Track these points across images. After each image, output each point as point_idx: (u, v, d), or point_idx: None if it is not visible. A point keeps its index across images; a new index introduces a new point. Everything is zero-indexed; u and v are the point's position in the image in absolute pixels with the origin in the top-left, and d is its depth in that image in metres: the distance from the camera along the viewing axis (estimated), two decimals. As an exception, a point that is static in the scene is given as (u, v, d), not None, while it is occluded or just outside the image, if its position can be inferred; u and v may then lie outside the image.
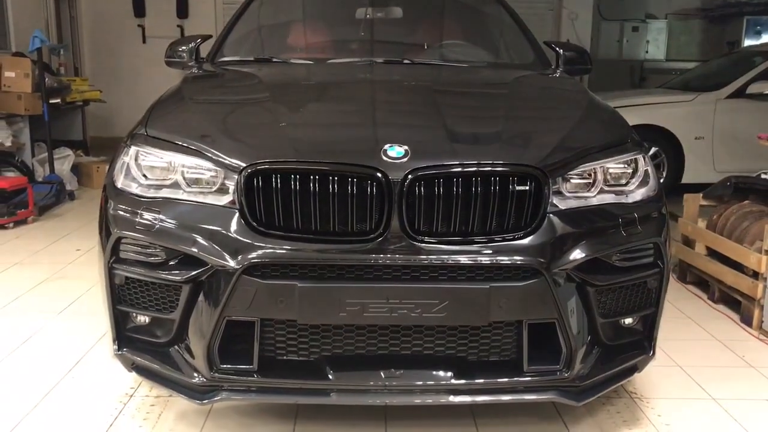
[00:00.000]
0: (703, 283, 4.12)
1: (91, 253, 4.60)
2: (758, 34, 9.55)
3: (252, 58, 3.43)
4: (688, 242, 4.25)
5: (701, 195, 4.27)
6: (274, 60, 3.40)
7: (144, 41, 9.91)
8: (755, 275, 3.51)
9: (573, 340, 2.18)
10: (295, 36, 3.75)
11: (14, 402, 2.67)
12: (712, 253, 4.01)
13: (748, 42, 9.54)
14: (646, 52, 10.35)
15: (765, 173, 3.98)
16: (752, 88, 6.38)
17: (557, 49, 3.48)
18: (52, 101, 6.61)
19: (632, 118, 6.39)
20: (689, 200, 4.31)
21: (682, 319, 3.67)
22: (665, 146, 6.50)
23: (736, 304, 3.72)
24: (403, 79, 3.09)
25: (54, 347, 3.18)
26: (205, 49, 3.56)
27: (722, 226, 3.94)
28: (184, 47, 3.47)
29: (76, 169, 6.92)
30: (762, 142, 4.15)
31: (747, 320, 3.57)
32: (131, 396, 2.72)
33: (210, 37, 3.68)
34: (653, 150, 6.52)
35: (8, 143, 6.18)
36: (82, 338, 3.26)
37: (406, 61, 3.32)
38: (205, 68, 3.32)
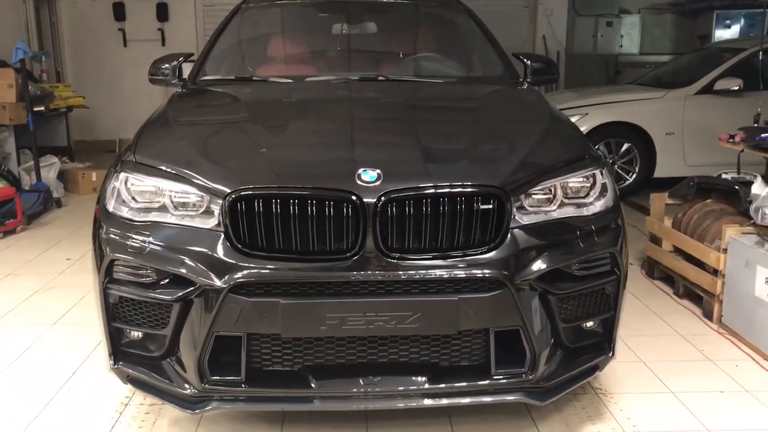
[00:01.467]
0: (669, 278, 4.31)
1: (81, 262, 4.72)
2: (727, 27, 9.81)
3: (233, 77, 3.58)
4: (655, 239, 4.45)
5: (667, 194, 4.47)
6: (254, 79, 3.55)
7: (125, 45, 9.98)
8: (715, 272, 3.71)
9: (536, 345, 2.36)
10: (274, 54, 3.89)
11: (16, 414, 2.82)
12: (678, 250, 4.21)
13: (718, 35, 9.79)
14: (621, 46, 10.54)
15: (725, 173, 4.17)
16: (719, 85, 6.58)
17: (525, 60, 3.65)
18: (36, 109, 6.67)
19: (605, 115, 6.63)
20: (656, 199, 4.51)
21: (648, 314, 3.87)
22: (637, 142, 6.70)
23: (699, 299, 3.92)
24: (377, 97, 3.25)
25: (50, 358, 3.32)
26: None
27: (686, 225, 4.13)
28: (167, 65, 3.60)
29: (61, 175, 6.99)
30: (721, 143, 4.35)
31: (708, 315, 3.78)
32: (126, 405, 2.87)
33: (192, 55, 3.82)
34: (626, 146, 6.73)
35: (-6, 154, 6.27)
36: (76, 348, 3.40)
37: (380, 78, 3.48)
38: (188, 88, 3.46)
